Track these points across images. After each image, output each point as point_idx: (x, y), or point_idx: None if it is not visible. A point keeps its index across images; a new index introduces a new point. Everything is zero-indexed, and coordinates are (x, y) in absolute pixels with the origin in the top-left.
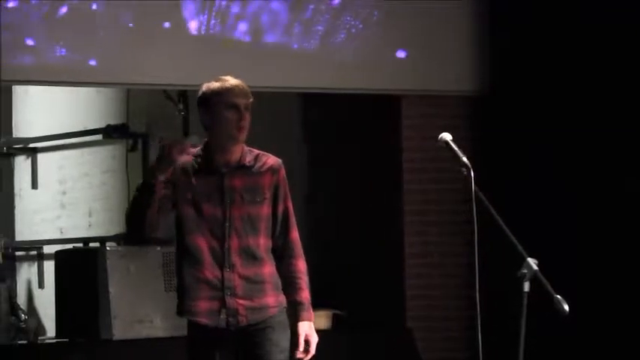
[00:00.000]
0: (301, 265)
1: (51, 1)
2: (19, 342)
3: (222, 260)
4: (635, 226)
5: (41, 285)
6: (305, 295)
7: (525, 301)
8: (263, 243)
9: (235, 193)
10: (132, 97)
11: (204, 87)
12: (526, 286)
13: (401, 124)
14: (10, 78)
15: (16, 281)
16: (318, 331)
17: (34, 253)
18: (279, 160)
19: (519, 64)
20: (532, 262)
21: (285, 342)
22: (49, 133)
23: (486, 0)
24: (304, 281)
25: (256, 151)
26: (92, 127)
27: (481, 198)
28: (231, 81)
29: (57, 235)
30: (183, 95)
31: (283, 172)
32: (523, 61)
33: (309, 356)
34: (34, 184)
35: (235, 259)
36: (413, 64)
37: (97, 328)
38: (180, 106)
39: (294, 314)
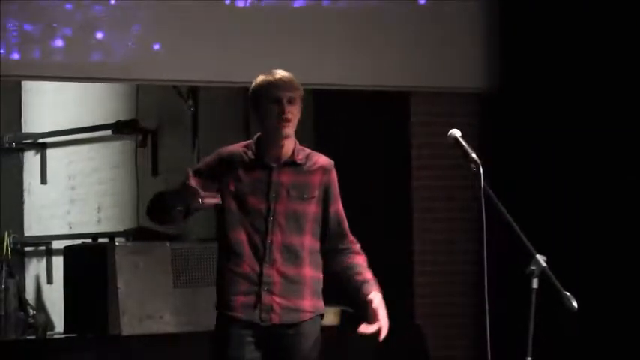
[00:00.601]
0: (362, 260)
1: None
2: (28, 337)
3: (262, 255)
4: None
5: (50, 280)
6: (370, 275)
7: (534, 298)
8: (308, 243)
9: (282, 189)
10: (141, 93)
11: (253, 82)
12: (534, 283)
13: (409, 121)
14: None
15: (25, 276)
16: (325, 328)
17: (42, 248)
18: (332, 162)
19: (529, 61)
20: (541, 258)
21: (315, 352)
22: (58, 129)
23: None
24: (366, 269)
25: (308, 150)
26: (102, 123)
27: (490, 195)
28: (276, 74)
29: (66, 231)
30: (193, 91)
31: (335, 173)
32: (532, 59)
33: (384, 328)
34: (44, 180)
35: (276, 254)
36: (422, 61)
37: (105, 324)
38: (190, 102)
39: (362, 291)
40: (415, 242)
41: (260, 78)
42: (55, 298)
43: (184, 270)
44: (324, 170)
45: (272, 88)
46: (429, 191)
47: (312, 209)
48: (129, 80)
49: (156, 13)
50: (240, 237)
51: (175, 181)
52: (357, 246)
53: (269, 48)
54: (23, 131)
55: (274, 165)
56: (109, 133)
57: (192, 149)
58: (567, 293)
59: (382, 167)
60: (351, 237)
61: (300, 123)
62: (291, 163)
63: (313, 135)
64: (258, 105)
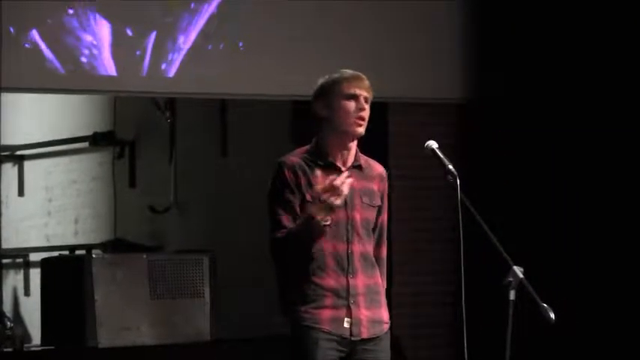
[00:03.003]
0: (383, 282)
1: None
2: (5, 349)
3: (346, 266)
4: (621, 234)
5: (27, 292)
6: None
7: (512, 310)
8: (374, 252)
9: (355, 194)
10: (119, 104)
11: (322, 79)
12: (512, 295)
13: (388, 132)
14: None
15: (2, 289)
16: None
17: (20, 260)
18: (385, 170)
19: (506, 72)
20: (518, 270)
21: None
22: (36, 141)
23: (474, 8)
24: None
25: (364, 155)
26: (79, 135)
27: (467, 206)
28: (349, 72)
29: (43, 243)
30: (171, 103)
31: (387, 182)
32: (509, 70)
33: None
34: (21, 192)
35: (358, 265)
36: (399, 73)
37: (82, 336)
38: (167, 114)
39: None
40: (393, 253)
41: (332, 75)
42: (32, 311)
43: (161, 281)
44: (382, 177)
45: (349, 83)
46: (407, 202)
47: (375, 216)
48: (107, 92)
49: (135, 25)
50: (322, 247)
51: (153, 192)
52: (385, 269)
53: (246, 60)
54: (1, 143)
55: (343, 168)
56: (86, 145)
57: (170, 161)
58: (545, 305)
59: None
60: (385, 255)
61: (278, 133)
62: (357, 166)
63: (291, 146)
64: (330, 101)
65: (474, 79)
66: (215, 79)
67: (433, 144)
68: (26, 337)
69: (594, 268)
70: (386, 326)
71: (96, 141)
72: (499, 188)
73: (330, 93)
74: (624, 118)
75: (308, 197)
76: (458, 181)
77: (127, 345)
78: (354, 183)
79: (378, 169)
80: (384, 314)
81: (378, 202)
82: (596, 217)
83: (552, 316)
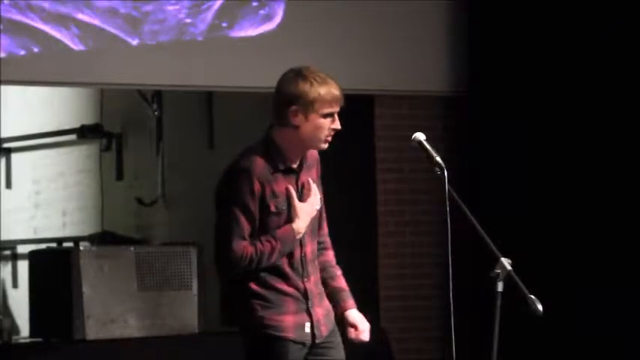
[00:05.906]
0: (333, 256)
1: None
2: None
3: (301, 271)
4: (609, 225)
5: (15, 285)
6: (344, 282)
7: (499, 302)
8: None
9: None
10: (106, 97)
11: (305, 85)
12: (499, 286)
13: (374, 124)
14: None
15: None
16: None
17: (8, 253)
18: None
19: (494, 65)
20: (506, 262)
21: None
22: (22, 134)
23: None
24: (337, 269)
25: None
26: (66, 127)
27: (455, 198)
28: (330, 83)
29: (31, 235)
30: (158, 95)
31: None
32: (498, 62)
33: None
34: (8, 184)
35: (310, 268)
36: (386, 64)
37: (70, 328)
38: (154, 107)
39: (337, 302)
40: (380, 246)
41: (315, 85)
42: (20, 303)
43: (149, 274)
44: (318, 162)
45: (331, 101)
46: (394, 195)
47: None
48: (94, 84)
49: (122, 17)
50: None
51: (140, 185)
52: (328, 239)
53: (231, 53)
54: None
55: (297, 169)
56: (73, 137)
57: (157, 153)
58: (532, 297)
59: (347, 171)
60: (327, 229)
61: (264, 125)
62: (302, 162)
63: None
64: (307, 114)
65: (461, 72)
66: (201, 71)
67: (420, 136)
68: (14, 329)
69: (582, 260)
70: (332, 315)
71: (83, 134)
72: (487, 180)
73: (310, 107)
74: (611, 112)
75: (272, 208)
76: (445, 173)
77: (115, 337)
78: (304, 179)
79: (314, 154)
80: (329, 304)
81: (321, 194)
82: (584, 208)
83: (540, 307)
